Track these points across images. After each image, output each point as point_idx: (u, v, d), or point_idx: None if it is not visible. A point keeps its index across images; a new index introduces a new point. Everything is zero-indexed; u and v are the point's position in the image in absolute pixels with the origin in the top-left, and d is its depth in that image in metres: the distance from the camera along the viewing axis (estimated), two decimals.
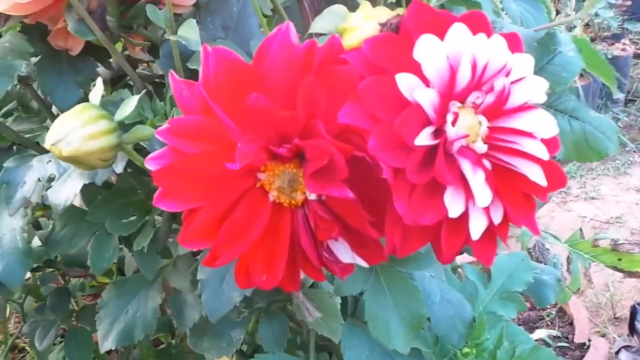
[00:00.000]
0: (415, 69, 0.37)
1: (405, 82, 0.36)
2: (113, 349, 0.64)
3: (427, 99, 0.36)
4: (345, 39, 0.42)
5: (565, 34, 0.75)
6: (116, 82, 0.64)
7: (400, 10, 0.40)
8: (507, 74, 0.39)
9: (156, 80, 0.58)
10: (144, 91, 0.48)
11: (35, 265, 0.78)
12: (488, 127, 0.39)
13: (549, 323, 1.84)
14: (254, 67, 0.38)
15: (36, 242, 0.78)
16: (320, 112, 0.37)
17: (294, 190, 0.39)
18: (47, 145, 0.41)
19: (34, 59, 0.57)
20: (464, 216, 0.38)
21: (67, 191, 0.49)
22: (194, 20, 0.48)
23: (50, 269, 0.82)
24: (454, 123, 0.37)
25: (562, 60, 0.73)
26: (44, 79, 0.56)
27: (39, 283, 0.85)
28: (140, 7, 0.52)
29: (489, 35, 0.39)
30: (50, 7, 0.54)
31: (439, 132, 0.37)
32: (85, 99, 0.57)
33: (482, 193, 0.37)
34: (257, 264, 0.40)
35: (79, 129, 0.41)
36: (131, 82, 0.63)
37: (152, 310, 0.62)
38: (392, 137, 0.36)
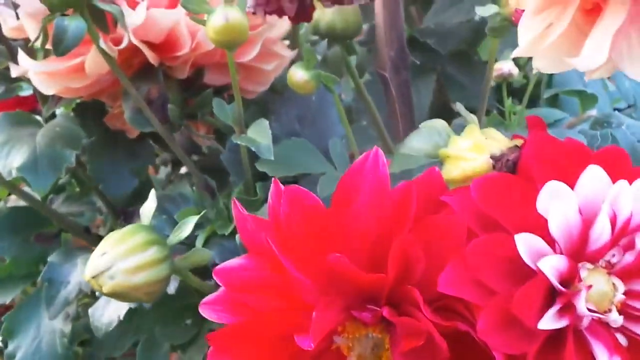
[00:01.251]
0: (538, 224, 0.30)
1: (527, 245, 0.29)
2: None
3: (554, 268, 0.29)
4: (447, 169, 0.35)
5: None
6: (177, 165, 0.58)
7: (518, 142, 0.33)
8: None
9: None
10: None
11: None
12: (624, 293, 0.31)
13: None
14: (336, 214, 0.31)
15: None
16: (416, 274, 0.30)
17: (377, 358, 0.32)
18: (86, 277, 0.35)
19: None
20: None
21: (111, 314, 0.43)
22: (266, 122, 0.42)
23: None
24: (586, 297, 0.30)
25: None
26: (96, 166, 0.51)
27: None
28: (207, 95, 0.47)
29: (630, 177, 0.32)
30: (106, 87, 0.49)
31: (567, 307, 0.30)
32: (139, 188, 0.52)
33: None
34: None
35: (123, 259, 0.36)
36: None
37: None
38: (508, 316, 0.29)
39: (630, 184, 0.31)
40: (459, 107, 0.38)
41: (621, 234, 0.31)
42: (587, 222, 0.31)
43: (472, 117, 0.37)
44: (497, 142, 0.34)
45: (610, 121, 0.53)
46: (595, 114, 0.54)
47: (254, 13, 0.41)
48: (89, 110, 0.52)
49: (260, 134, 0.41)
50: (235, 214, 0.35)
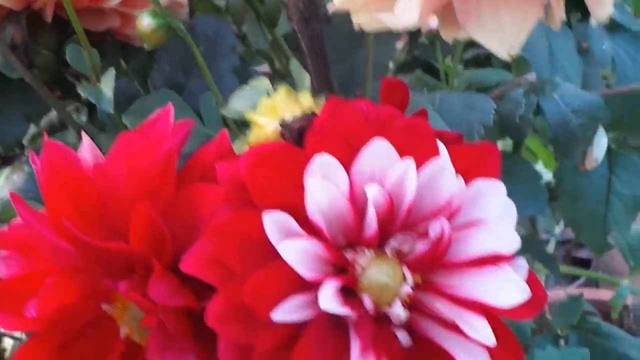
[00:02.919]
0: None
1: (275, 225, 0.27)
2: None
3: (303, 252, 0.26)
4: (251, 134, 0.32)
5: None
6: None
7: (316, 106, 0.30)
8: (451, 216, 0.28)
9: None
10: None
11: None
12: (415, 286, 0.28)
13: None
14: (92, 173, 0.29)
15: None
16: (167, 248, 0.28)
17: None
18: None
19: None
20: None
21: None
22: (113, 71, 0.39)
23: None
24: (347, 283, 0.27)
25: None
26: None
27: None
28: (75, 41, 0.44)
29: (431, 153, 0.28)
30: None
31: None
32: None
33: None
34: None
35: None
36: None
37: None
38: (242, 304, 0.26)
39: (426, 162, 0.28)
40: (293, 65, 0.35)
41: (406, 220, 0.28)
42: (359, 206, 0.28)
43: (304, 75, 0.34)
44: (297, 106, 0.31)
45: (544, 87, 0.48)
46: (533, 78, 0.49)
47: None
48: None
49: (104, 83, 0.39)
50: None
